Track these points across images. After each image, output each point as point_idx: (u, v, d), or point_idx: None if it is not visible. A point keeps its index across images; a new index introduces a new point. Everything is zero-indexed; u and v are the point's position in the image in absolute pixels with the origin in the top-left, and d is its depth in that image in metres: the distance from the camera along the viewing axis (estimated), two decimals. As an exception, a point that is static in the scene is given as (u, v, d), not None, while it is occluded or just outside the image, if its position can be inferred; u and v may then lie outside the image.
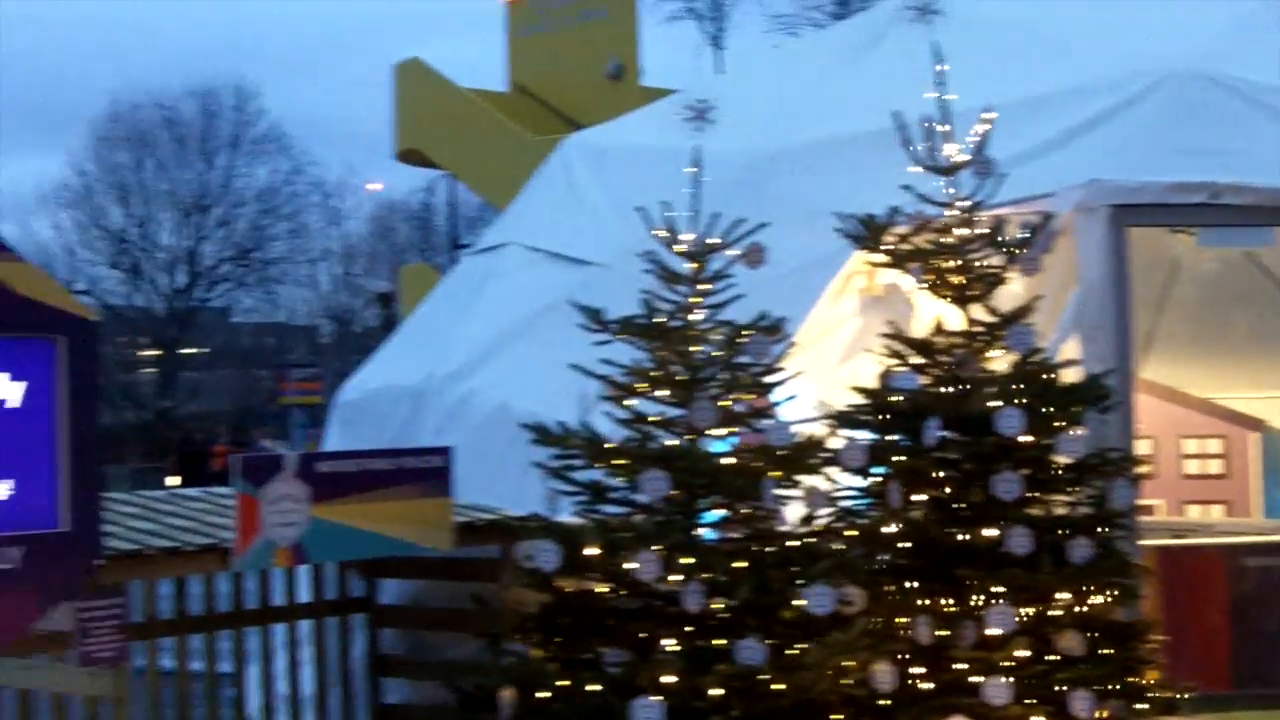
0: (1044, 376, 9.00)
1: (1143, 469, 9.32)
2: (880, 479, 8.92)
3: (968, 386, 8.97)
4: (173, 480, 40.05)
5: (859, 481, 9.01)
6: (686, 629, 7.98)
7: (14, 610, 6.16)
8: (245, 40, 77.55)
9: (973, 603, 8.61)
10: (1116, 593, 8.87)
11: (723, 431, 8.47)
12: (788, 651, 7.92)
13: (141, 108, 49.26)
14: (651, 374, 8.54)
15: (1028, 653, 8.53)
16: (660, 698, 7.66)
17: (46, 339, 6.35)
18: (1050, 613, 8.69)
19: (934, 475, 8.86)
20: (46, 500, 6.32)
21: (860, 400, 9.11)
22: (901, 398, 8.98)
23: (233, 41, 77.13)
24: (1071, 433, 8.82)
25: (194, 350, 52.26)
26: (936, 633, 8.59)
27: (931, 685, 8.55)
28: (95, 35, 79.63)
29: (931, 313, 9.45)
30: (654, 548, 7.96)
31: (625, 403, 8.56)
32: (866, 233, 9.49)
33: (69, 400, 6.37)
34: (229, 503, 7.96)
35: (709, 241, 8.72)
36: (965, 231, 9.31)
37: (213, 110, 49.86)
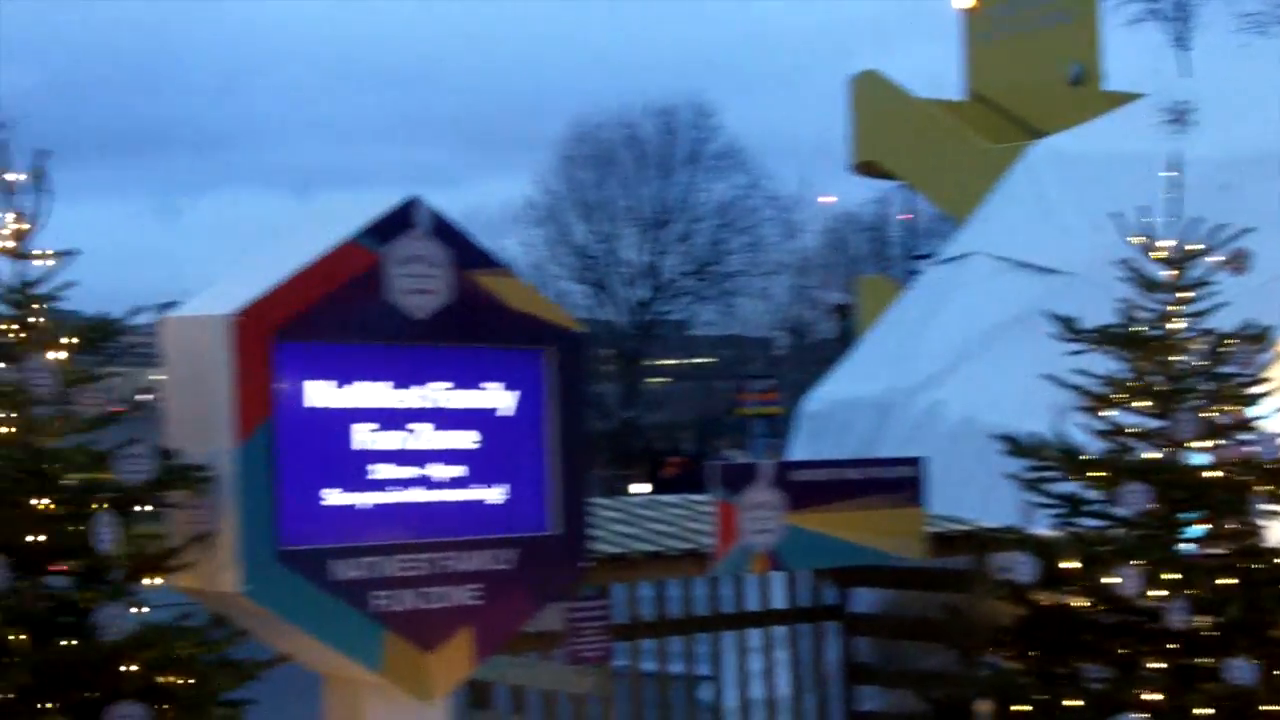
0: None
1: None
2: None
3: None
4: (640, 487, 41.05)
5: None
6: (1170, 646, 7.76)
7: (508, 609, 6.41)
8: (703, 58, 79.01)
9: None
10: None
11: (1205, 444, 8.20)
12: (1278, 672, 7.62)
13: (604, 127, 50.77)
14: (1129, 385, 8.34)
15: None
16: (1145, 715, 7.48)
17: (536, 350, 6.60)
18: None
19: None
20: (538, 505, 6.57)
21: (1356, 412, 8.67)
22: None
23: (691, 60, 78.67)
24: None
25: (657, 362, 53.48)
26: None
27: None
28: (560, 59, 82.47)
29: None
30: (1135, 562, 7.77)
31: (1102, 414, 8.38)
32: (1358, 237, 9.03)
33: (559, 409, 6.61)
34: (706, 509, 8.14)
35: (1189, 248, 8.46)
36: None
37: (672, 128, 50.97)
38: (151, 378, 6.26)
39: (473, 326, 6.36)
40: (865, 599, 10.00)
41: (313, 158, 75.46)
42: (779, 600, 9.98)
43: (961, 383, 11.56)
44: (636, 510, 9.05)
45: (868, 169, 30.12)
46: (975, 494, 9.52)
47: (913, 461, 8.43)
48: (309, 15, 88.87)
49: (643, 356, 51.55)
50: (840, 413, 12.54)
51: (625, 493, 32.45)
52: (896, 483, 8.28)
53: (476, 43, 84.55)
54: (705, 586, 9.57)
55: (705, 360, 57.75)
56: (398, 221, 6.18)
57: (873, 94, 28.82)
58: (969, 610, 8.77)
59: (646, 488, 40.16)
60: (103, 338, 6.02)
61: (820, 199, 52.66)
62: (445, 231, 6.29)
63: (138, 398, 6.08)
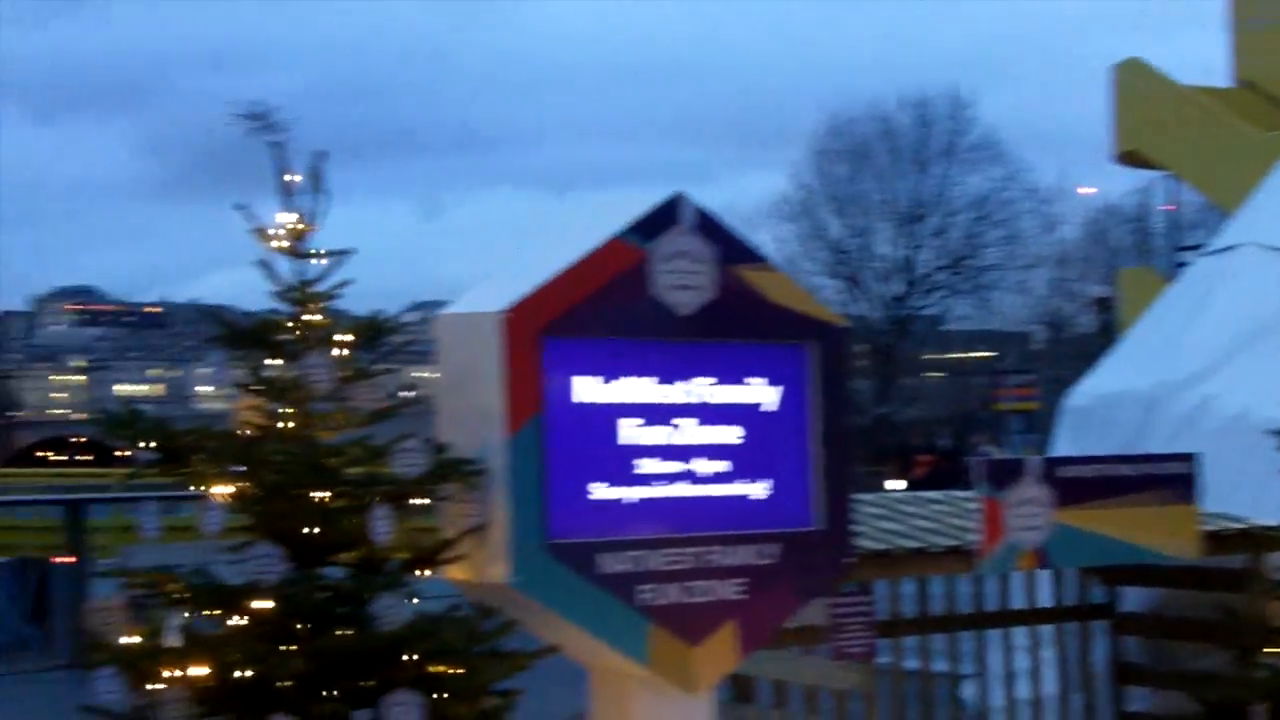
0: None
1: None
2: None
3: None
4: (896, 484, 40.80)
5: None
6: None
7: (772, 604, 6.41)
8: (959, 49, 78.23)
9: None
10: None
11: None
12: None
13: (858, 121, 50.52)
14: None
15: None
16: None
17: (799, 344, 6.58)
18: None
19: None
20: (801, 500, 6.55)
21: None
22: None
23: (947, 51, 77.96)
24: None
25: (912, 357, 53.03)
26: None
27: None
28: (815, 55, 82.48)
29: None
30: None
31: (1385, 408, 8.09)
32: None
33: (821, 403, 6.58)
34: (970, 505, 8.05)
35: None
36: None
37: (927, 120, 50.51)
38: (415, 374, 6.40)
39: (736, 322, 6.37)
40: (1134, 597, 9.80)
41: (571, 157, 76.64)
42: (1045, 598, 9.83)
43: (1233, 377, 11.26)
44: (899, 506, 8.99)
45: (1130, 159, 29.47)
46: (1248, 491, 9.27)
47: (1186, 458, 8.24)
48: (567, 18, 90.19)
49: (897, 352, 51.17)
50: (1105, 408, 12.29)
51: (882, 489, 32.27)
52: (1169, 479, 8.10)
53: (732, 41, 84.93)
54: (969, 583, 9.47)
55: (961, 355, 57.13)
56: (662, 218, 6.21)
57: (1136, 82, 28.19)
58: (1244, 610, 8.54)
59: (902, 484, 39.88)
60: (377, 335, 6.16)
61: (1080, 190, 51.73)
62: (709, 227, 6.31)
63: (406, 393, 6.22)
